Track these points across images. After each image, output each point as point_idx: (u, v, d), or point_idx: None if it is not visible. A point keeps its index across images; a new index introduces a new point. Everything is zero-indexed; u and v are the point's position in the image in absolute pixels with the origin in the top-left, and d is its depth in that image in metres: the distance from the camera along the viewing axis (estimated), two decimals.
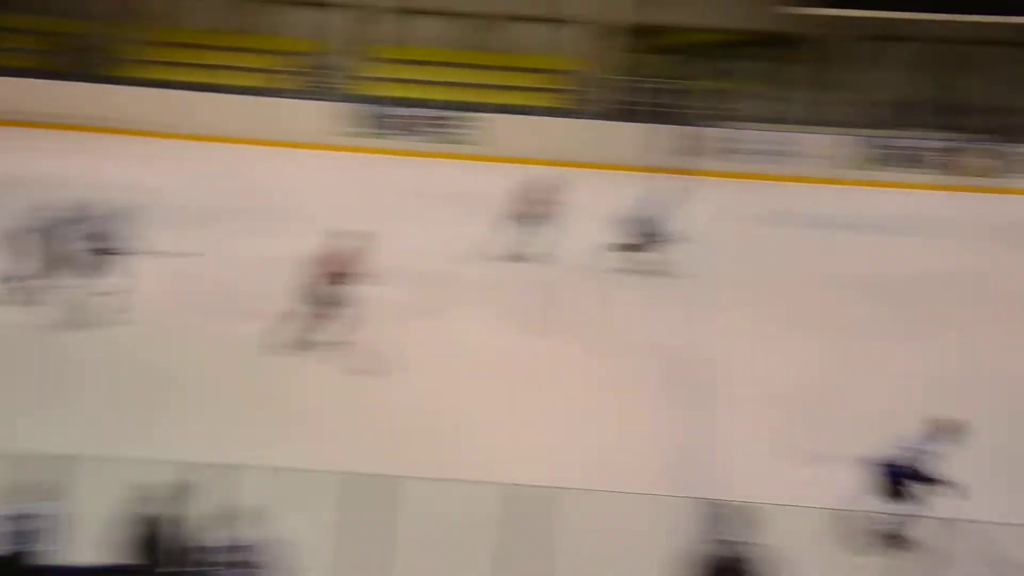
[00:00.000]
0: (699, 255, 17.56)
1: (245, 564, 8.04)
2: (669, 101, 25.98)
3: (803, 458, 11.64)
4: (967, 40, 26.46)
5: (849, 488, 10.18)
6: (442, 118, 25.86)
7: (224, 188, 21.26)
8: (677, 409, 12.97)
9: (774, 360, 14.55)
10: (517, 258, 17.65)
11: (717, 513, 7.83)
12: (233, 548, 8.04)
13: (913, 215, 22.53)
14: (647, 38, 27.51)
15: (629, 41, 27.41)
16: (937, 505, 9.89)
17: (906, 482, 9.96)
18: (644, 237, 17.44)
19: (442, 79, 26.50)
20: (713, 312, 16.27)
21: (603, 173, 23.28)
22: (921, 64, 26.88)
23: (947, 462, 9.99)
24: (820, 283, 17.84)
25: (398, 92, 26.20)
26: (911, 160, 25.52)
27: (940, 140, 25.46)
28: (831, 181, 24.75)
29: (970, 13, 25.61)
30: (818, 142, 25.48)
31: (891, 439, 10.23)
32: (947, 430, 10.12)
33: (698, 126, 25.32)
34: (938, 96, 26.55)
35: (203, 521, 8.22)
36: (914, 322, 16.33)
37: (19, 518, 8.15)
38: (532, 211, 17.76)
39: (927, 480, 9.91)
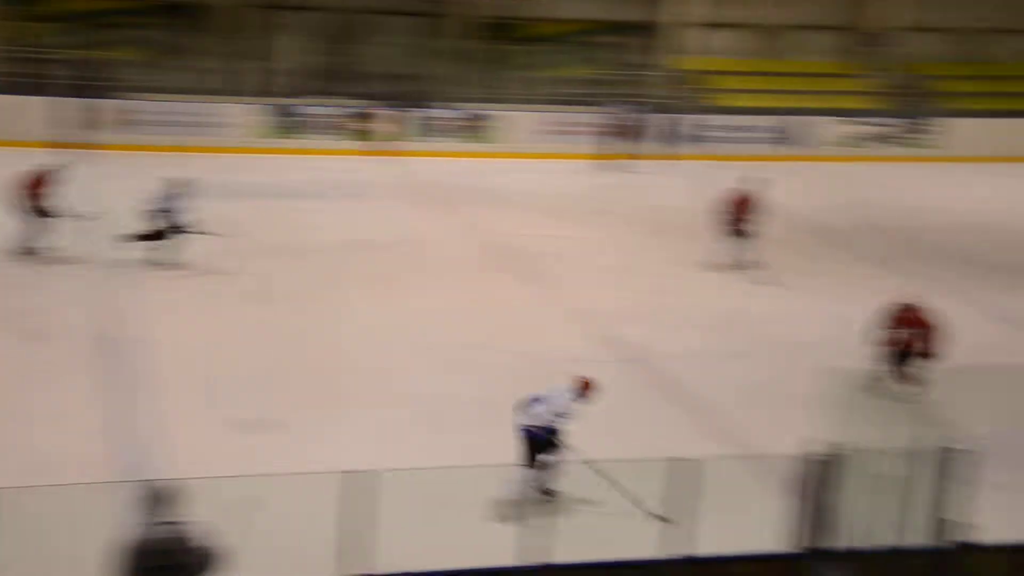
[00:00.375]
0: (113, 232, 16.63)
1: None
2: (65, 72, 24.42)
3: (254, 427, 11.30)
4: (365, 10, 27.23)
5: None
6: None
7: None
8: (114, 394, 12.11)
9: (216, 335, 14.06)
10: None
11: (152, 495, 7.22)
12: None
13: (331, 180, 22.82)
14: (27, 5, 25.74)
15: (8, 9, 25.52)
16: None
17: (544, 440, 9.79)
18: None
19: None
20: (151, 292, 15.49)
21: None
22: (325, 33, 27.29)
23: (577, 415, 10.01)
24: (257, 252, 17.51)
25: None
26: (321, 127, 25.86)
27: (347, 107, 25.99)
28: (246, 150, 24.50)
29: None
30: (230, 111, 25.12)
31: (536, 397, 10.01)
32: (582, 388, 10.06)
33: (101, 98, 24.04)
34: (344, 64, 27.13)
35: None
36: (359, 285, 16.47)
37: None
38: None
39: (555, 439, 9.80)
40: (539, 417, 9.92)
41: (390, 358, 13.60)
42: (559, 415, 9.94)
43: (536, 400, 10.03)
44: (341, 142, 25.55)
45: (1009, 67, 31.11)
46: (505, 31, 28.56)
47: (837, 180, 26.10)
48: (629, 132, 26.30)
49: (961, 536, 7.22)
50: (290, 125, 25.65)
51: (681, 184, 24.74)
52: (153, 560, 7.02)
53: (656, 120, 26.81)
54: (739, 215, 17.95)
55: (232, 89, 25.58)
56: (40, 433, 11.05)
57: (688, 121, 27.20)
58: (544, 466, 9.92)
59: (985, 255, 19.92)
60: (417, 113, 26.24)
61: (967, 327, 14.47)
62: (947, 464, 8.50)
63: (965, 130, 29.12)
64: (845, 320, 14.85)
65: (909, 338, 12.97)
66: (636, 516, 9.01)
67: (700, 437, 11.74)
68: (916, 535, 7.84)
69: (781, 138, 28.30)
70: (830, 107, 28.94)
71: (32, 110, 23.46)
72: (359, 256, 17.84)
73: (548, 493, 9.99)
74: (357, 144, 25.55)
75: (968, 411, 11.05)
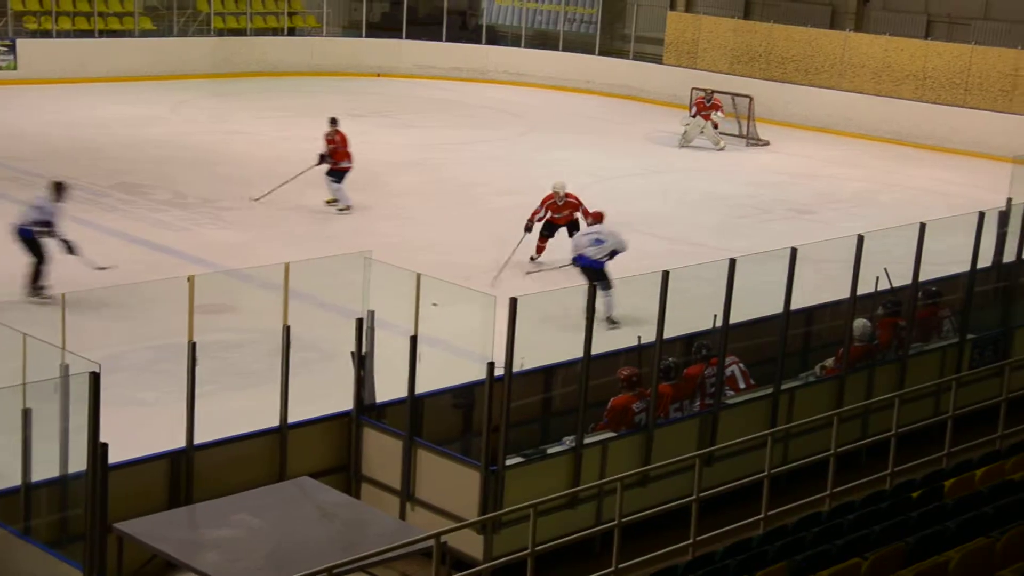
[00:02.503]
0: None
1: None
2: None
3: None
4: None
5: None
6: None
7: None
8: None
9: None
10: None
11: None
12: None
13: None
14: None
15: None
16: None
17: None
18: None
19: None
20: None
21: None
22: None
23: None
24: None
25: None
26: None
27: None
28: None
29: None
30: None
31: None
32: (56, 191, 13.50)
33: None
34: None
35: None
36: None
37: None
38: None
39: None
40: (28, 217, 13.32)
41: None
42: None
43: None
44: None
45: None
46: None
47: None
48: None
49: (103, 457, 7.43)
50: None
51: None
52: None
53: None
54: None
55: None
56: None
57: None
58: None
59: (91, 178, 19.76)
60: None
61: (97, 250, 14.54)
62: (81, 389, 8.67)
63: (36, 50, 28.98)
64: None
65: None
66: None
67: None
68: (72, 464, 8.05)
69: None
70: None
71: None
72: None
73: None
74: None
75: (93, 333, 11.59)
